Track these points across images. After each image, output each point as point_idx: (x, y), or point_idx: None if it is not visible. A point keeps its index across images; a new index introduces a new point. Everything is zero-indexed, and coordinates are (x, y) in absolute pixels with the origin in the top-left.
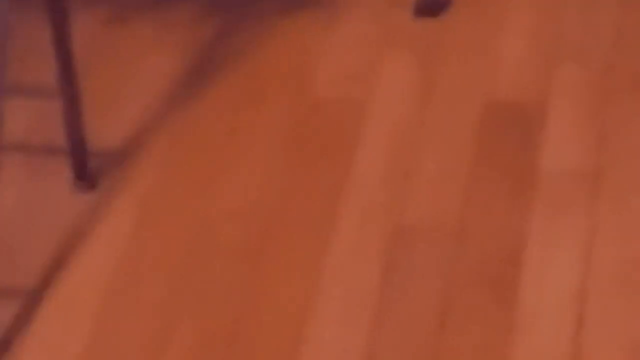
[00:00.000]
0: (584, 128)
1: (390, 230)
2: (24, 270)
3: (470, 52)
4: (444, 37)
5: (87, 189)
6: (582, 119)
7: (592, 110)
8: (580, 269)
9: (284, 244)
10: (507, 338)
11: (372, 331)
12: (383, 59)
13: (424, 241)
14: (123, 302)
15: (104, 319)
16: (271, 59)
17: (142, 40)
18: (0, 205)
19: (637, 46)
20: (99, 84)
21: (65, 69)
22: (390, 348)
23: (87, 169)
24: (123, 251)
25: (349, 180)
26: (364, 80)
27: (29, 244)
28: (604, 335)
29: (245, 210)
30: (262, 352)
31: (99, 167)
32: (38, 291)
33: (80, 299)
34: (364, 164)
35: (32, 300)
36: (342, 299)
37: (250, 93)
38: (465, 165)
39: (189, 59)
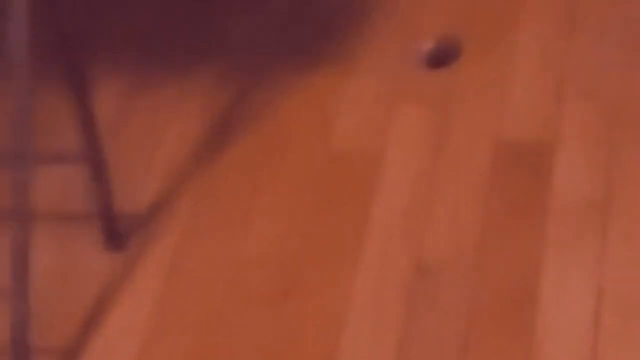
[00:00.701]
0: (592, 161)
1: (411, 269)
2: (59, 330)
3: (480, 97)
4: (455, 85)
5: (117, 250)
6: (590, 152)
7: (600, 144)
8: (593, 298)
9: (310, 288)
10: None
11: None
12: (396, 110)
13: (443, 277)
14: (157, 357)
15: None
16: (289, 117)
17: (164, 107)
18: (34, 269)
19: None
20: (125, 150)
21: (90, 136)
22: None
23: (116, 231)
24: (155, 308)
25: (369, 224)
26: (379, 131)
27: (64, 306)
28: None
29: (271, 259)
30: None
31: (128, 228)
32: (73, 351)
33: (115, 357)
34: (383, 209)
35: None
36: (368, 336)
37: (270, 150)
38: (479, 203)
39: (210, 122)
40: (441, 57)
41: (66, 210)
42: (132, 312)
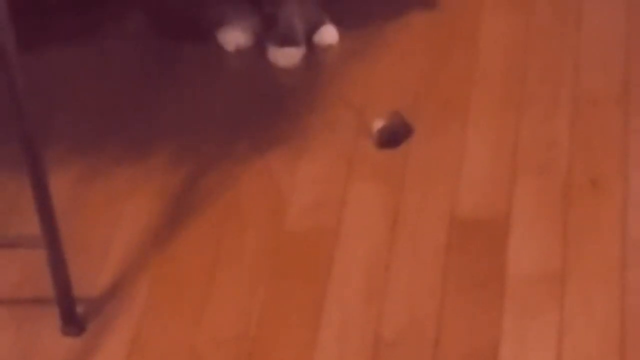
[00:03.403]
0: (546, 233)
1: (370, 344)
2: None
3: (433, 174)
4: (408, 162)
5: (76, 334)
6: (544, 225)
7: (553, 216)
8: None
9: None
10: None
11: None
12: (350, 188)
13: (403, 352)
14: None
15: None
16: (245, 196)
17: (119, 189)
18: None
19: (590, 153)
20: (83, 232)
21: (47, 221)
22: None
23: (74, 315)
24: None
25: (327, 301)
26: (334, 208)
27: None
28: None
29: (231, 339)
30: None
31: (87, 311)
32: None
33: None
34: (341, 286)
35: None
36: None
37: (227, 229)
38: (437, 278)
39: (166, 202)
40: (393, 136)
41: (24, 295)
42: None
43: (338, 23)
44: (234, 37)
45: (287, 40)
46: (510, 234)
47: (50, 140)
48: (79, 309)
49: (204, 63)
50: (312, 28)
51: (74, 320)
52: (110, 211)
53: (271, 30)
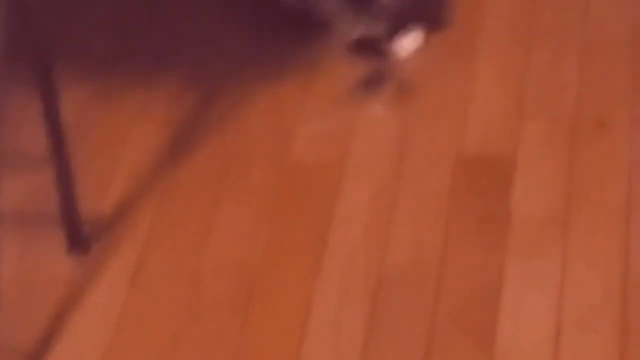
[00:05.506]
0: (552, 175)
1: (374, 279)
2: (24, 334)
3: (441, 111)
4: (415, 101)
5: (81, 254)
6: (550, 166)
7: (559, 158)
8: (553, 308)
9: (272, 295)
10: None
11: None
12: (356, 123)
13: (405, 287)
14: None
15: None
16: (251, 126)
17: (128, 111)
18: None
19: (598, 95)
20: (90, 153)
21: (56, 140)
22: None
23: (80, 235)
24: (118, 312)
25: (330, 234)
26: (340, 143)
27: (28, 309)
28: None
29: (234, 266)
30: None
31: (92, 232)
32: (37, 354)
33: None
34: (345, 219)
35: None
36: (330, 346)
37: (233, 158)
38: (441, 214)
39: (174, 128)
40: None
41: (31, 213)
42: (95, 315)
43: None
44: None
45: None
46: (516, 174)
47: (61, 61)
48: (85, 230)
49: None
50: None
51: (79, 240)
52: (117, 134)
53: None
